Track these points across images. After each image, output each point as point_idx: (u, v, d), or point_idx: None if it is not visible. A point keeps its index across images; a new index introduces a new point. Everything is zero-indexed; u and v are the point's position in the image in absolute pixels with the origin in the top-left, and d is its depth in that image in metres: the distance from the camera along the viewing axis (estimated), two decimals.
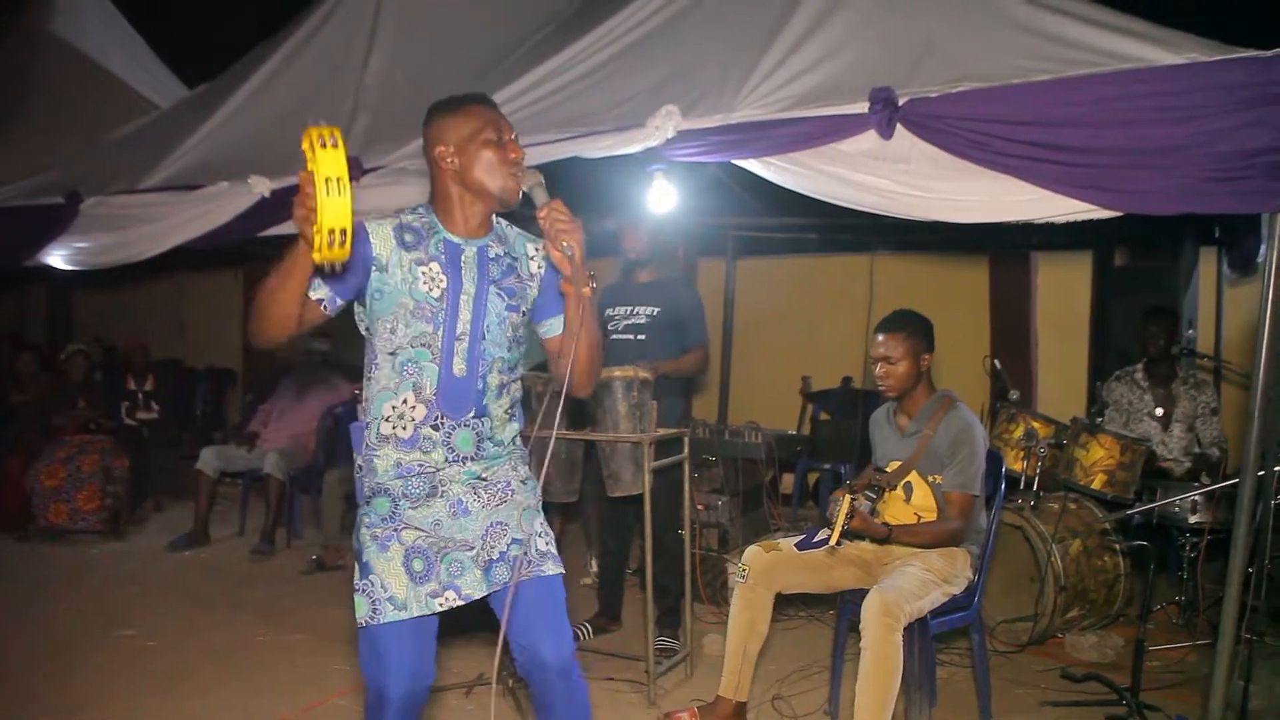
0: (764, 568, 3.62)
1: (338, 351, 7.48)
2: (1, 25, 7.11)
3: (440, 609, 2.37)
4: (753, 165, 3.55)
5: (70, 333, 10.53)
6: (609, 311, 4.74)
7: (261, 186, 4.45)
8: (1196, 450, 5.30)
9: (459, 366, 2.37)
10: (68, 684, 4.21)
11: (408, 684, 2.36)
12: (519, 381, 2.54)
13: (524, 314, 2.48)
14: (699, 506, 5.24)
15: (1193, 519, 4.70)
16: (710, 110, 3.54)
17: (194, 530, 6.74)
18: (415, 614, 2.35)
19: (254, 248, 6.46)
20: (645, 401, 4.05)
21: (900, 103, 3.19)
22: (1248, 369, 3.17)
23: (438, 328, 2.35)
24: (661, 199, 5.00)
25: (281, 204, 4.42)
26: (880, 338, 3.69)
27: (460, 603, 2.37)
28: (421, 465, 2.39)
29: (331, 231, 1.97)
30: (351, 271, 2.28)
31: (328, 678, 4.25)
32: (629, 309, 4.72)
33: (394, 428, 2.38)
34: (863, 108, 3.24)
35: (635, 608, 4.84)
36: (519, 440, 2.57)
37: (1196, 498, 4.65)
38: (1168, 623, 4.84)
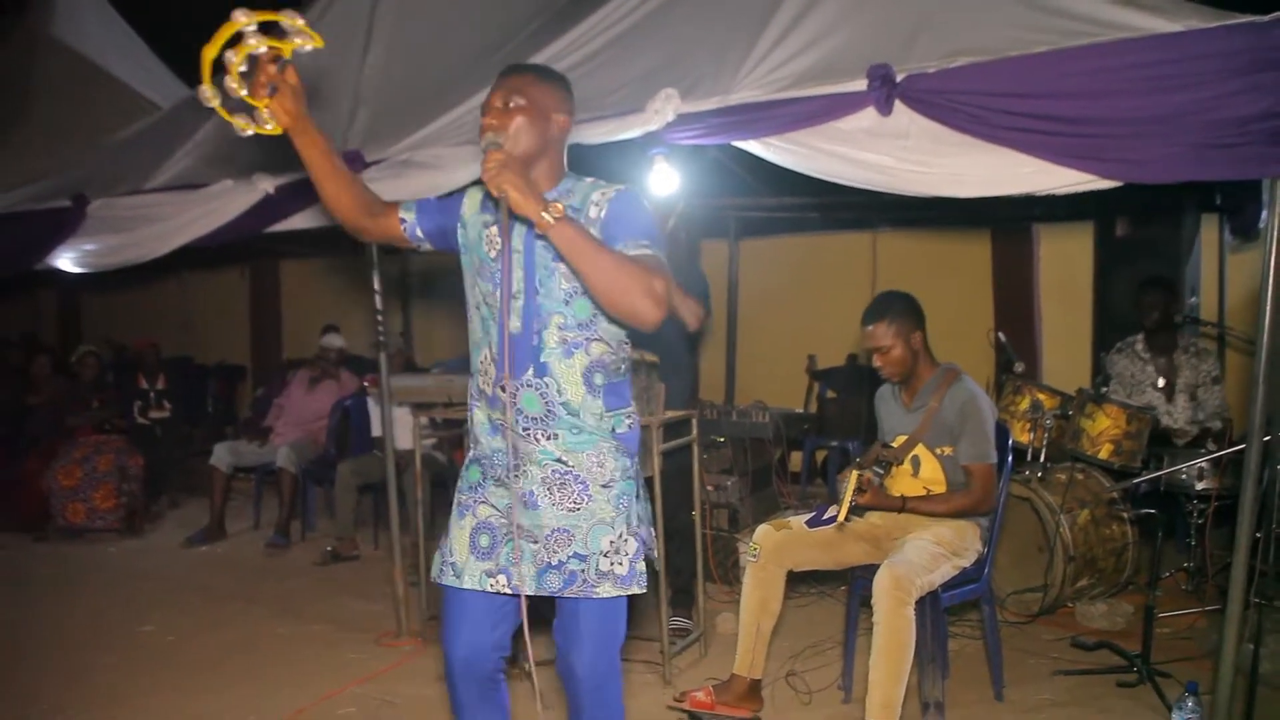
0: (775, 546, 3.64)
1: (350, 349, 7.54)
2: (2, 29, 7.12)
3: (492, 590, 2.39)
4: (753, 146, 3.55)
5: (80, 334, 10.58)
6: None
7: (266, 183, 4.46)
8: (1200, 418, 5.31)
9: (514, 324, 2.35)
10: (88, 679, 4.25)
11: (464, 651, 2.42)
12: (604, 346, 2.38)
13: None
14: (709, 487, 5.26)
15: (1199, 486, 4.72)
16: (708, 93, 3.54)
17: (209, 526, 6.79)
18: (468, 586, 2.40)
19: (260, 244, 6.50)
20: (653, 384, 4.06)
21: (898, 79, 3.19)
22: (1251, 335, 3.18)
23: (495, 287, 2.36)
24: (663, 182, 5.01)
25: (286, 200, 4.43)
26: (867, 329, 3.71)
27: (508, 592, 2.38)
28: (502, 423, 2.38)
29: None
30: (441, 212, 2.52)
31: (346, 667, 4.30)
32: None
33: (481, 383, 2.43)
34: (861, 85, 3.23)
35: (648, 588, 4.86)
36: (618, 429, 2.43)
37: (1203, 465, 4.67)
38: (1177, 589, 4.87)
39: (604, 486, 2.40)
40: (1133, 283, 5.75)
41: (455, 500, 2.49)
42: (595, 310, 2.35)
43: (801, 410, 7.11)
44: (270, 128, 2.25)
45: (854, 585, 3.81)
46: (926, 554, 3.41)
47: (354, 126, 4.46)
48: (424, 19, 4.85)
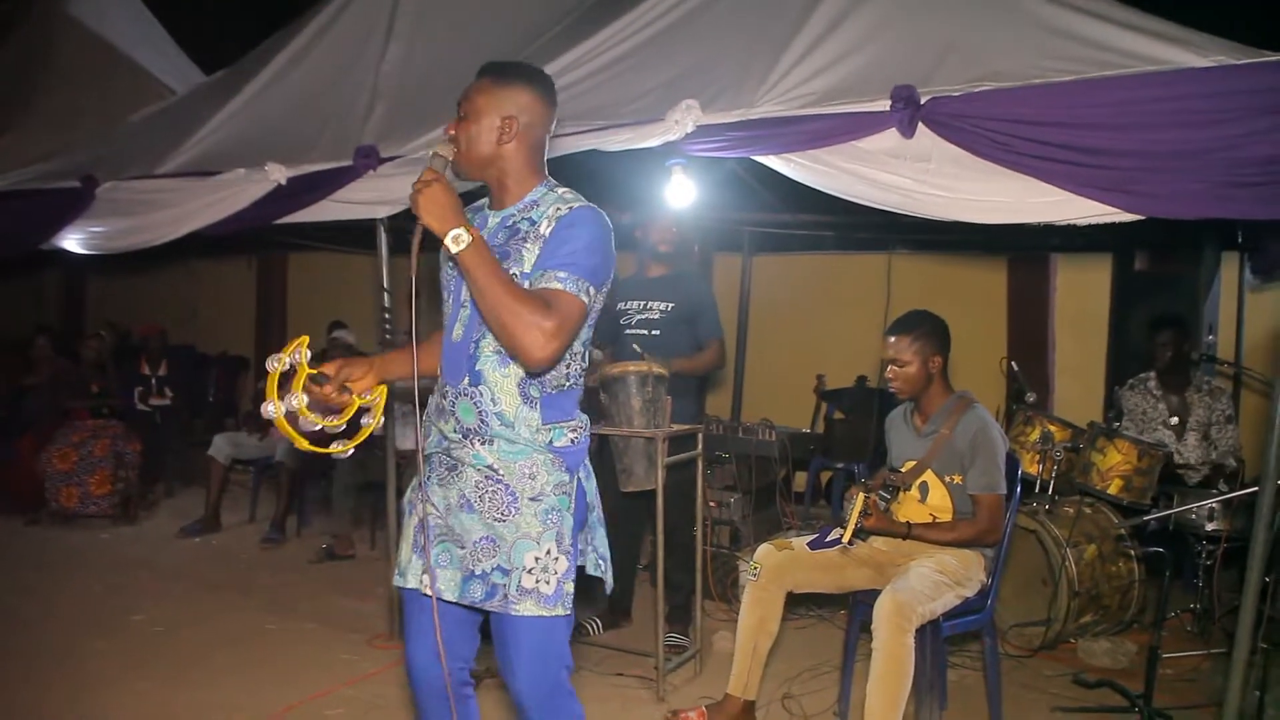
0: (776, 566, 3.60)
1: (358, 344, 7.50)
2: (20, 8, 7.10)
3: (422, 589, 2.36)
4: (772, 161, 3.51)
5: (84, 317, 10.56)
6: (622, 305, 4.71)
7: (278, 174, 4.42)
8: (1213, 458, 5.25)
9: (457, 332, 2.38)
10: (76, 667, 4.22)
11: (420, 661, 2.41)
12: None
13: (518, 275, 2.27)
14: (711, 503, 5.22)
15: (1210, 526, 4.66)
16: (730, 105, 3.50)
17: (205, 517, 6.76)
18: (410, 585, 2.40)
19: (269, 236, 6.47)
20: (659, 397, 4.03)
21: (922, 101, 3.15)
22: (1269, 375, 3.14)
23: (449, 298, 2.42)
24: (680, 193, 4.97)
25: (298, 192, 4.40)
26: (890, 339, 3.68)
27: (429, 593, 2.32)
28: (443, 435, 2.39)
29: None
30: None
31: (335, 667, 4.26)
32: (642, 304, 4.70)
33: (435, 398, 2.46)
34: (884, 106, 3.19)
35: (646, 603, 4.82)
36: (556, 441, 2.34)
37: (1214, 505, 4.61)
38: (1182, 630, 4.80)
39: (532, 499, 2.31)
40: (1150, 317, 5.70)
41: (405, 499, 2.52)
42: None
43: (808, 430, 7.06)
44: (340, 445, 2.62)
45: (854, 610, 3.77)
46: (929, 581, 3.37)
47: (370, 121, 4.43)
48: (447, 17, 4.83)
